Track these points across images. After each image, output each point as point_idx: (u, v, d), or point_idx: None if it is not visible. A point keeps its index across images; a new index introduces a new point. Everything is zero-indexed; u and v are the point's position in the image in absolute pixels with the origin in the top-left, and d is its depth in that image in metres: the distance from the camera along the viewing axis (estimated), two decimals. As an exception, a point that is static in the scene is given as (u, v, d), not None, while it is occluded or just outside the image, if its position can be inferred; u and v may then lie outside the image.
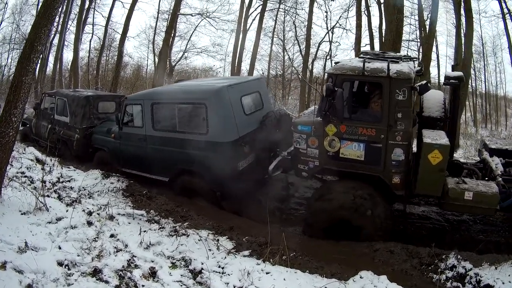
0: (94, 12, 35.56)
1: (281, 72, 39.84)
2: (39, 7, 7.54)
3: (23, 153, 11.31)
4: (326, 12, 31.12)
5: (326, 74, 8.68)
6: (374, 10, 27.19)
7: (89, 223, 7.07)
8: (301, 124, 7.54)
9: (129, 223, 7.34)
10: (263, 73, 36.40)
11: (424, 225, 8.36)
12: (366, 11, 26.78)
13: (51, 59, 34.93)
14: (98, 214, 7.56)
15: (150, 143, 9.35)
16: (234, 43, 28.76)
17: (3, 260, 5.25)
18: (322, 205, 7.19)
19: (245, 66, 32.03)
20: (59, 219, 7.05)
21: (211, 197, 8.73)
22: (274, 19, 34.18)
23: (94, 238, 6.51)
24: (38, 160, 11.21)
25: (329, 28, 31.36)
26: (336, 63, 7.98)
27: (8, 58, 42.43)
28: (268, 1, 29.07)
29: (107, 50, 40.03)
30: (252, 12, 30.08)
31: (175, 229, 7.08)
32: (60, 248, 5.98)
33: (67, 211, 7.41)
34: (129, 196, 8.99)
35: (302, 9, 32.28)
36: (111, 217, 7.44)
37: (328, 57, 32.20)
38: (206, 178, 8.53)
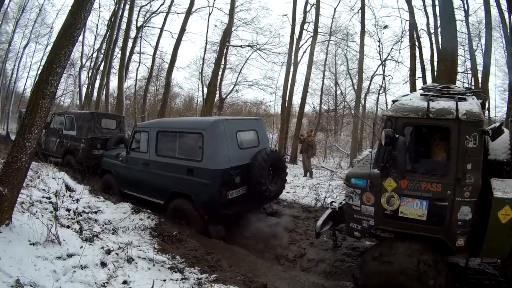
0: (141, 41, 37.37)
1: (333, 106, 39.81)
2: (60, 27, 7.36)
3: (53, 178, 11.16)
4: (379, 41, 31.11)
5: (383, 116, 7.82)
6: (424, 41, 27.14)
7: (103, 264, 6.60)
8: (355, 177, 6.76)
9: (149, 268, 6.77)
10: (314, 107, 36.98)
11: (481, 282, 7.34)
12: (417, 42, 26.46)
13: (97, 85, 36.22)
14: (117, 254, 7.09)
15: (151, 167, 10.54)
16: (285, 76, 29.08)
17: (-10, 293, 4.84)
18: (379, 267, 6.27)
19: (296, 100, 32.18)
20: (70, 255, 6.67)
21: (199, 221, 9.40)
22: (325, 52, 34.91)
23: (103, 283, 6.00)
24: (68, 187, 11.13)
25: (382, 60, 31.41)
26: (394, 101, 7.03)
27: None
28: (318, 33, 29.31)
29: (155, 79, 42.06)
30: (303, 45, 30.81)
31: (199, 282, 6.40)
32: None
33: (81, 247, 7.01)
34: (156, 236, 8.54)
35: (354, 41, 32.72)
36: (130, 260, 6.92)
37: (381, 91, 32.73)
38: (196, 202, 9.32)
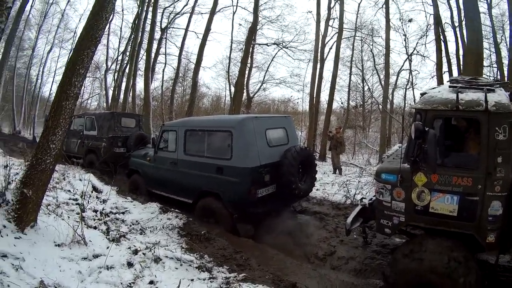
0: (166, 42, 37.53)
1: (361, 103, 39.46)
2: (82, 28, 7.30)
3: (80, 180, 11.24)
4: (405, 35, 30.76)
5: (411, 108, 7.56)
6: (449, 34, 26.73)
7: (129, 264, 6.47)
8: (385, 172, 6.57)
9: (176, 268, 6.60)
10: (342, 103, 36.70)
11: (511, 280, 6.96)
12: (442, 36, 25.99)
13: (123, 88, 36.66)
14: (144, 254, 6.96)
15: (180, 167, 10.49)
16: (312, 73, 29.03)
17: (12, 295, 4.74)
18: (409, 264, 6.07)
19: (324, 96, 32.16)
20: (96, 256, 6.57)
21: (227, 220, 9.25)
22: (351, 48, 34.61)
23: (129, 284, 5.86)
24: (95, 188, 11.17)
25: (408, 54, 30.90)
26: (422, 94, 6.81)
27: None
28: (343, 29, 29.13)
29: (182, 80, 42.46)
30: (328, 41, 30.52)
31: (227, 281, 6.19)
32: None
33: (107, 247, 6.90)
34: (184, 235, 8.39)
35: (379, 36, 32.36)
36: (157, 260, 6.77)
37: (408, 86, 32.25)
38: (225, 201, 9.19)
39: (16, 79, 41.54)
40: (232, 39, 34.89)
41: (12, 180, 7.40)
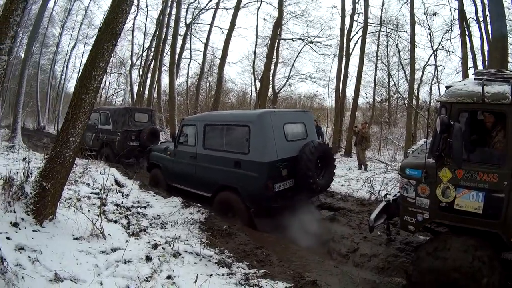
0: (191, 37, 37.91)
1: (387, 98, 38.85)
2: (101, 22, 7.21)
3: (102, 174, 11.26)
4: (429, 29, 30.16)
5: (437, 102, 7.21)
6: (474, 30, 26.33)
7: (148, 259, 6.36)
8: (410, 168, 6.32)
9: (195, 263, 6.46)
10: (367, 97, 35.92)
11: None
12: (466, 31, 25.38)
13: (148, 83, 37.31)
14: (163, 248, 6.86)
15: (199, 161, 10.51)
16: (337, 68, 28.64)
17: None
18: (433, 263, 5.86)
19: (349, 92, 31.75)
20: (114, 249, 6.49)
21: (245, 214, 9.21)
22: (377, 43, 34.05)
23: (146, 278, 5.72)
24: (117, 183, 11.24)
25: (433, 49, 30.30)
26: (447, 87, 6.57)
27: (105, 81, 46.47)
28: (368, 24, 28.79)
29: (208, 75, 42.55)
30: (353, 36, 30.18)
31: (246, 277, 6.01)
32: (101, 284, 5.36)
33: (126, 241, 6.80)
34: (206, 230, 8.29)
35: (404, 31, 31.76)
36: (176, 254, 6.64)
37: (433, 82, 31.69)
38: (243, 195, 9.17)
39: (40, 75, 42.29)
40: (257, 34, 34.95)
41: (31, 173, 7.30)
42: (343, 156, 24.66)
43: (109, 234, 6.91)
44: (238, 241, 7.79)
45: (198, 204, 9.85)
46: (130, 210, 9.10)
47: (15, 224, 6.15)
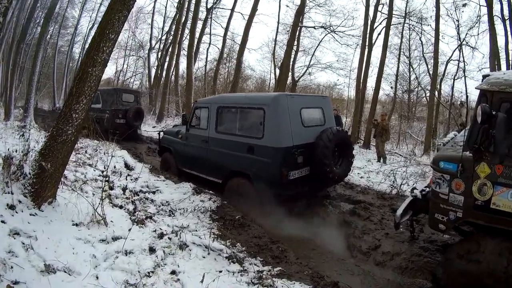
0: (211, 22, 37.57)
1: (407, 90, 38.11)
2: None
3: (112, 156, 10.62)
4: (458, 21, 28.96)
5: (477, 88, 6.53)
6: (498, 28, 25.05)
7: (151, 250, 5.83)
8: (445, 160, 5.71)
9: (204, 257, 5.87)
10: (391, 87, 35.61)
11: None
12: (490, 30, 24.41)
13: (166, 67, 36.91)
14: (170, 238, 6.31)
15: (211, 145, 10.02)
16: (359, 58, 27.87)
17: (14, 279, 4.27)
18: (465, 266, 5.36)
19: (370, 83, 31.85)
20: (116, 238, 6.01)
21: (257, 202, 8.61)
22: (399, 36, 33.37)
23: (148, 273, 5.16)
24: (127, 166, 10.78)
25: (460, 40, 29.30)
26: (485, 76, 5.97)
27: (124, 63, 48.00)
28: (393, 16, 28.04)
29: (227, 61, 42.18)
30: (377, 27, 29.45)
31: (260, 276, 5.38)
32: (97, 278, 4.84)
33: (129, 229, 6.27)
34: (217, 219, 7.73)
35: (428, 25, 30.80)
36: (183, 246, 6.08)
37: (456, 77, 30.93)
38: (255, 182, 8.67)
39: (58, 56, 42.25)
40: (278, 21, 34.51)
41: (29, 151, 6.97)
42: (361, 148, 24.09)
43: (111, 221, 6.47)
44: (252, 233, 7.22)
45: (210, 191, 9.32)
46: (138, 195, 8.63)
47: (11, 207, 5.74)
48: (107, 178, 8.71)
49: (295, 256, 6.39)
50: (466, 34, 28.97)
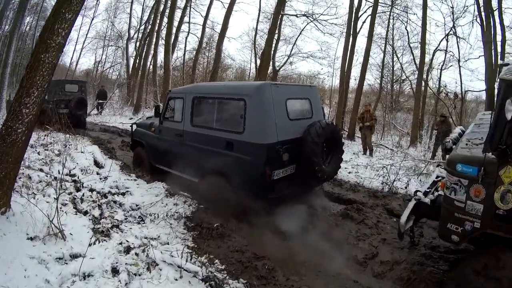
0: (190, 10, 36.97)
1: (391, 80, 37.70)
2: None
3: (82, 152, 10.12)
4: (452, 7, 27.91)
5: (500, 78, 5.70)
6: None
7: (114, 271, 4.94)
8: (463, 163, 4.92)
9: (176, 279, 4.92)
10: (376, 78, 35.58)
11: None
12: (479, 19, 24.13)
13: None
14: (137, 254, 5.41)
15: (186, 139, 9.09)
16: (344, 46, 27.24)
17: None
18: (483, 285, 4.66)
19: (354, 72, 30.46)
20: (74, 256, 5.17)
21: (235, 205, 7.68)
22: (385, 25, 33.23)
23: (108, 304, 4.26)
24: (96, 163, 9.92)
25: (450, 28, 28.69)
26: (504, 65, 5.20)
27: (102, 54, 47.37)
28: (379, 4, 27.31)
29: (207, 51, 41.90)
30: (362, 15, 28.83)
31: (244, 306, 4.55)
32: None
33: (90, 244, 5.38)
34: (192, 228, 6.79)
35: (414, 14, 31.02)
36: (152, 264, 5.18)
37: (443, 67, 30.50)
38: (234, 182, 7.74)
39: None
40: (260, 9, 34.17)
41: None
42: (346, 139, 23.15)
43: (70, 234, 5.64)
44: (233, 246, 6.28)
45: (185, 194, 8.34)
46: (106, 197, 7.79)
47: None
48: (74, 178, 8.10)
49: (284, 276, 5.47)
50: (453, 23, 28.46)
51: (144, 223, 6.81)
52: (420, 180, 11.66)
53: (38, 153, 9.46)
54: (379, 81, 35.37)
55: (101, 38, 46.82)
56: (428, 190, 6.48)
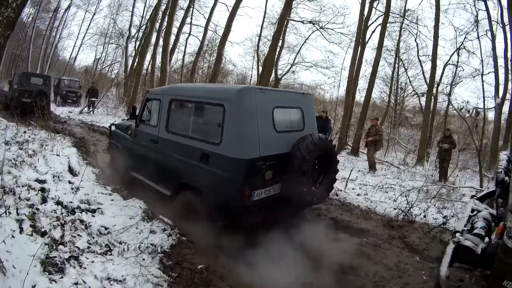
0: (193, 11, 36.77)
1: (394, 95, 36.84)
2: None
3: (58, 155, 9.02)
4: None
5: None
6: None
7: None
8: None
9: None
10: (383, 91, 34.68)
11: None
12: (490, 33, 24.37)
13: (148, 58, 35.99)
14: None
15: (160, 146, 8.00)
16: (352, 55, 25.90)
17: None
18: None
19: (360, 84, 29.67)
20: None
21: (211, 227, 6.51)
22: (395, 36, 32.53)
23: None
24: (70, 169, 8.71)
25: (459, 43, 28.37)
26: None
27: (102, 52, 47.95)
28: (390, 14, 26.44)
29: (208, 55, 41.57)
30: (371, 24, 28.05)
31: None
32: None
33: (34, 286, 4.09)
34: (170, 268, 5.27)
35: (425, 26, 30.40)
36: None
37: (453, 82, 29.86)
38: (208, 200, 6.62)
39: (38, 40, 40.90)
40: (265, 13, 33.84)
41: None
42: (349, 154, 22.32)
43: (14, 267, 4.23)
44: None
45: (165, 219, 6.85)
46: (74, 213, 6.43)
47: None
48: (43, 185, 6.95)
49: None
50: (465, 38, 28.05)
51: (110, 254, 5.35)
52: (435, 206, 10.29)
53: (10, 151, 8.27)
54: (387, 95, 34.86)
55: (102, 35, 47.13)
56: (464, 228, 5.31)
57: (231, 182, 6.25)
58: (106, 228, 6.11)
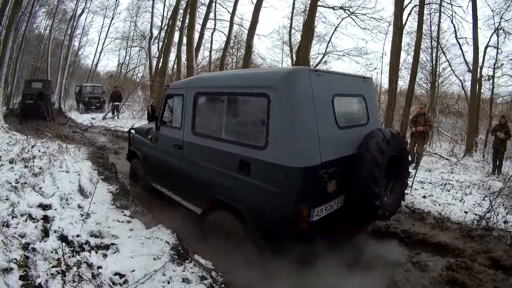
0: (215, 6, 35.87)
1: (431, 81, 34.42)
2: None
3: (67, 172, 7.78)
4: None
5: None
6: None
7: None
8: None
9: None
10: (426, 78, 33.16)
11: None
12: None
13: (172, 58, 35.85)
14: None
15: (186, 153, 6.36)
16: (392, 42, 23.64)
17: None
18: None
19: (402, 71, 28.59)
20: None
21: (253, 254, 4.83)
22: (438, 16, 29.77)
23: None
24: (81, 189, 7.17)
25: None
26: None
27: (126, 55, 48.11)
28: None
29: (235, 50, 40.35)
30: (407, 5, 25.79)
31: None
32: None
33: None
34: None
35: (460, 7, 27.92)
36: None
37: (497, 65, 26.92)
38: (248, 223, 4.88)
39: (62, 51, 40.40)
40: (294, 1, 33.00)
41: None
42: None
43: None
44: None
45: (202, 261, 4.93)
46: (80, 253, 4.81)
47: None
48: (46, 213, 5.66)
49: None
50: (501, 18, 25.90)
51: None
52: (503, 206, 8.59)
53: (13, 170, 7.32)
54: (429, 81, 32.90)
55: (124, 39, 47.20)
56: None
57: (283, 199, 4.59)
58: (121, 276, 4.43)
